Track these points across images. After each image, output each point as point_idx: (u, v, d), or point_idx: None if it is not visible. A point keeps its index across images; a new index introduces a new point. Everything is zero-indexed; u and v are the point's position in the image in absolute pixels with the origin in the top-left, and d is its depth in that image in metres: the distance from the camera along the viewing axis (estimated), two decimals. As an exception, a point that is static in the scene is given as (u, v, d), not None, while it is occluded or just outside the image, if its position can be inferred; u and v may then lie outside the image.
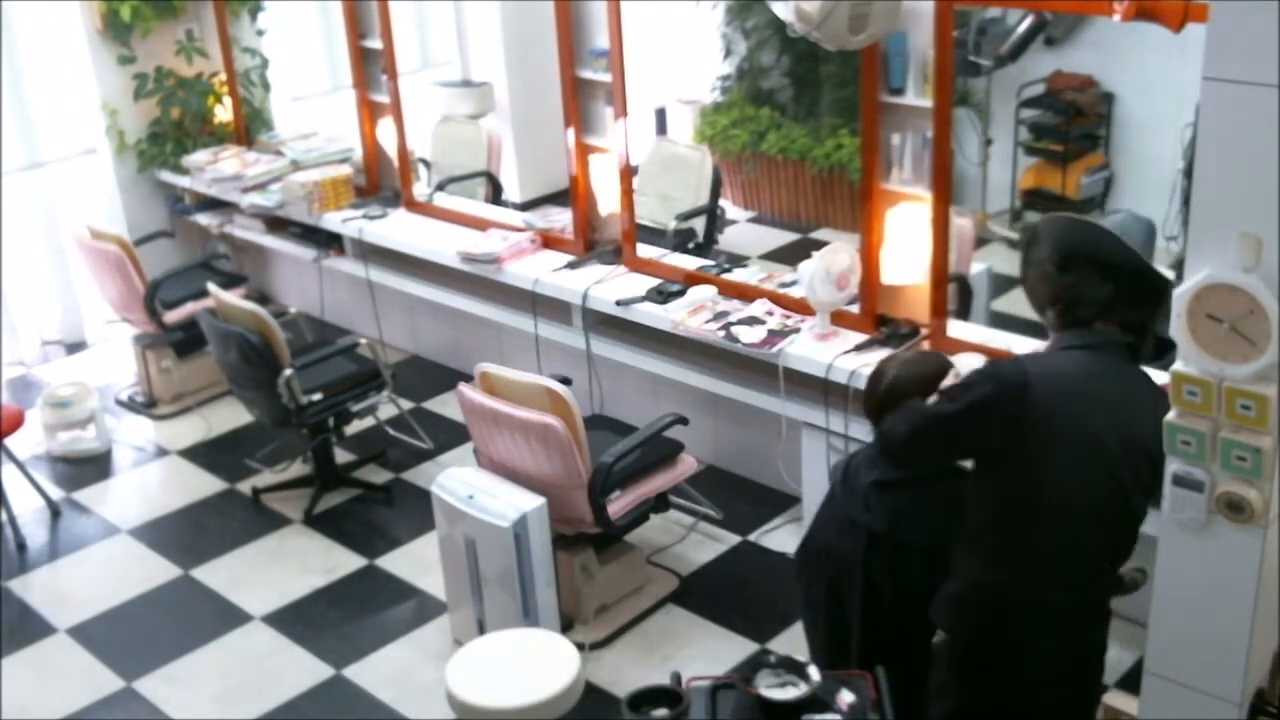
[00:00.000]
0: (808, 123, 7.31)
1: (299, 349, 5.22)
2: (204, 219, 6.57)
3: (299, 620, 4.54)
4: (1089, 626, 2.90)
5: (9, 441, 5.11)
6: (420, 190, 6.01)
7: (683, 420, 4.28)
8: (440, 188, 6.08)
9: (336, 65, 6.79)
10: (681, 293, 4.76)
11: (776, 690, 2.66)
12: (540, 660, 3.46)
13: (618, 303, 4.81)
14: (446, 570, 4.23)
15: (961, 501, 3.10)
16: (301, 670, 4.30)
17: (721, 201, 6.08)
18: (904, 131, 4.19)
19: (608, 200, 5.15)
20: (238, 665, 4.34)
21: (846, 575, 3.18)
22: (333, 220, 5.89)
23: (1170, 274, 2.81)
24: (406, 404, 5.73)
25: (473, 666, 3.48)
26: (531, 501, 3.95)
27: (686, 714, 2.67)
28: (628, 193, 5.04)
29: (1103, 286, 2.71)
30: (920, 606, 3.08)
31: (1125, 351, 2.76)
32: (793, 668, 2.70)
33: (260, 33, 6.63)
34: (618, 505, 4.12)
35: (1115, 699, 3.57)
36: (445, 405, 5.84)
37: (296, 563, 4.87)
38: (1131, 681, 3.72)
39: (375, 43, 5.81)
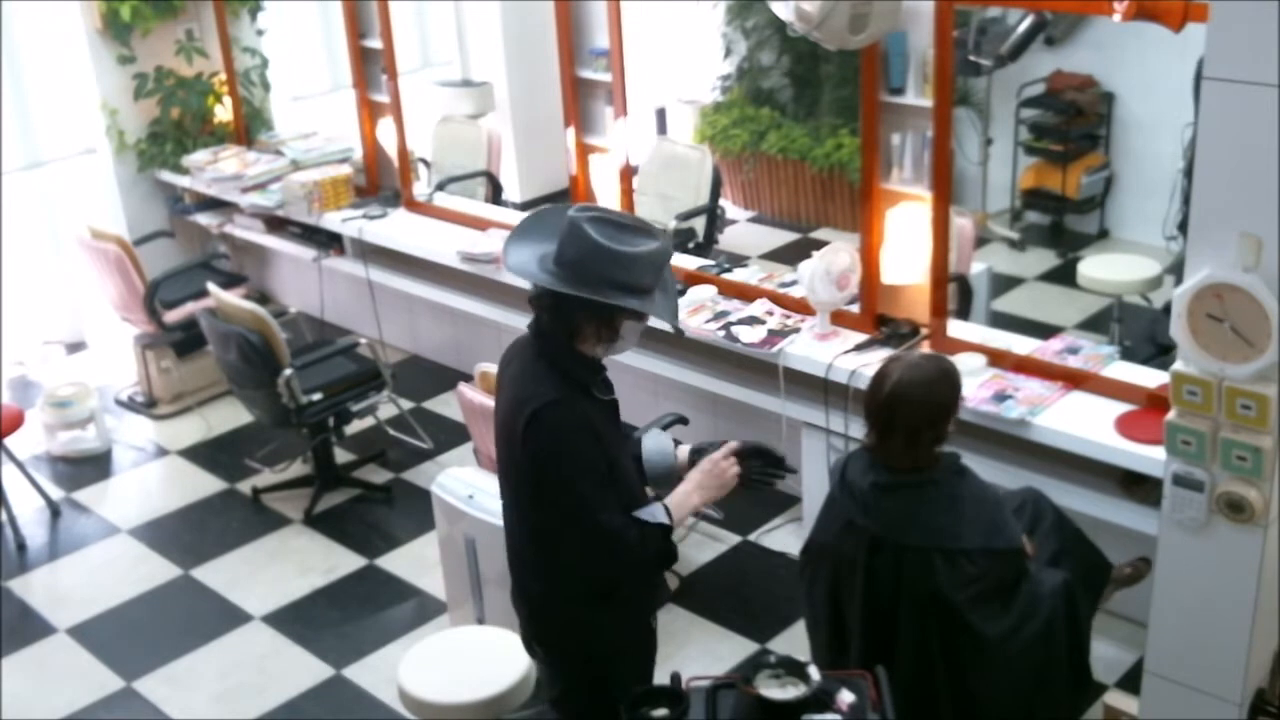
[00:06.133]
0: (808, 123, 7.31)
1: (299, 349, 5.22)
2: (204, 219, 6.57)
3: (299, 620, 4.55)
4: None
5: (9, 441, 5.11)
6: (420, 190, 6.00)
7: (683, 420, 4.27)
8: (440, 187, 6.07)
9: (336, 65, 6.80)
10: (682, 292, 4.76)
11: (776, 690, 2.66)
12: (493, 657, 3.48)
13: (618, 302, 4.80)
14: (446, 570, 4.23)
15: (961, 502, 3.10)
16: (301, 670, 4.30)
17: (721, 201, 6.08)
18: (904, 131, 4.18)
19: (608, 200, 5.15)
20: (238, 665, 4.34)
21: (848, 576, 3.18)
22: (333, 220, 5.88)
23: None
24: (406, 404, 5.73)
25: (426, 663, 3.51)
26: (531, 501, 3.94)
27: (686, 714, 2.66)
28: (628, 193, 5.03)
29: None
30: (921, 607, 3.08)
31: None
32: (793, 668, 2.69)
33: (260, 33, 6.63)
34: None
35: (1115, 699, 3.57)
36: (445, 405, 5.84)
37: (296, 563, 4.87)
38: (1131, 681, 3.72)
39: (375, 42, 5.81)
